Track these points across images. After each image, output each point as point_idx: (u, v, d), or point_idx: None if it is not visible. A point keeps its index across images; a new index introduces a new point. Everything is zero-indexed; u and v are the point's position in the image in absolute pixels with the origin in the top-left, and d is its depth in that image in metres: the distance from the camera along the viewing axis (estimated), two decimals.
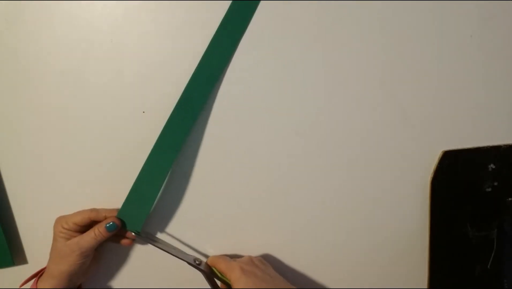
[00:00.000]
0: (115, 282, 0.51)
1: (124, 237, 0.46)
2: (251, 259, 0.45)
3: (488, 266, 0.52)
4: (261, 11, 0.44)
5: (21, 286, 0.46)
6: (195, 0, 0.44)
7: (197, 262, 0.45)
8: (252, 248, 0.51)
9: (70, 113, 0.46)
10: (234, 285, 0.40)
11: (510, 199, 0.51)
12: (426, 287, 0.53)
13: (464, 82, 0.48)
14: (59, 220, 0.44)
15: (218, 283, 0.46)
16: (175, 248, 0.47)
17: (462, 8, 0.46)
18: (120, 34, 0.44)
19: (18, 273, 0.48)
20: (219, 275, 0.44)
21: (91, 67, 0.44)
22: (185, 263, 0.45)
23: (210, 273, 0.45)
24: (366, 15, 0.45)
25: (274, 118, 0.47)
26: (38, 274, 0.45)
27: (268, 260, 0.50)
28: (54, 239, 0.43)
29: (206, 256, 0.50)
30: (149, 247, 0.49)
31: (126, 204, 0.45)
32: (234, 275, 0.41)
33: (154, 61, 0.45)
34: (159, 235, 0.49)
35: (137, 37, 0.44)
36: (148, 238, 0.46)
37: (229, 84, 0.46)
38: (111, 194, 0.47)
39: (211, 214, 0.49)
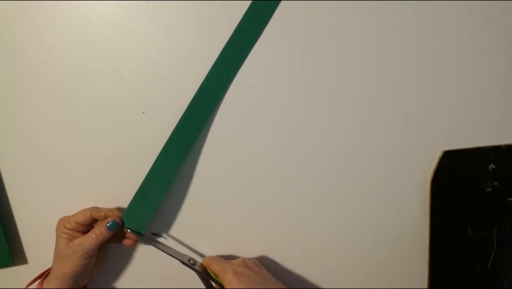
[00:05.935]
0: (118, 283, 0.51)
1: (126, 237, 0.46)
2: (244, 261, 0.45)
3: (488, 266, 0.52)
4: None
5: (27, 286, 0.45)
6: (195, 0, 0.44)
7: (191, 262, 0.45)
8: (249, 248, 0.51)
9: (70, 113, 0.45)
10: (227, 287, 0.41)
11: (510, 199, 0.51)
12: (426, 287, 0.53)
13: (464, 82, 0.48)
14: (62, 221, 0.44)
15: (213, 284, 0.46)
16: (170, 248, 0.47)
17: (462, 8, 0.46)
18: (120, 34, 0.44)
19: (18, 273, 0.48)
20: (213, 276, 0.44)
21: (91, 67, 0.44)
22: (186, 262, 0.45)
23: (204, 274, 0.45)
24: (366, 15, 0.45)
25: (274, 118, 0.47)
26: (44, 275, 0.45)
27: (266, 260, 0.51)
28: (57, 240, 0.43)
29: (203, 255, 0.50)
30: (152, 248, 0.49)
31: (132, 205, 0.45)
32: (226, 277, 0.41)
33: (154, 61, 0.45)
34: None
35: (137, 37, 0.44)
36: (147, 236, 0.46)
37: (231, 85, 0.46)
38: (111, 194, 0.47)
39: (209, 214, 0.49)
